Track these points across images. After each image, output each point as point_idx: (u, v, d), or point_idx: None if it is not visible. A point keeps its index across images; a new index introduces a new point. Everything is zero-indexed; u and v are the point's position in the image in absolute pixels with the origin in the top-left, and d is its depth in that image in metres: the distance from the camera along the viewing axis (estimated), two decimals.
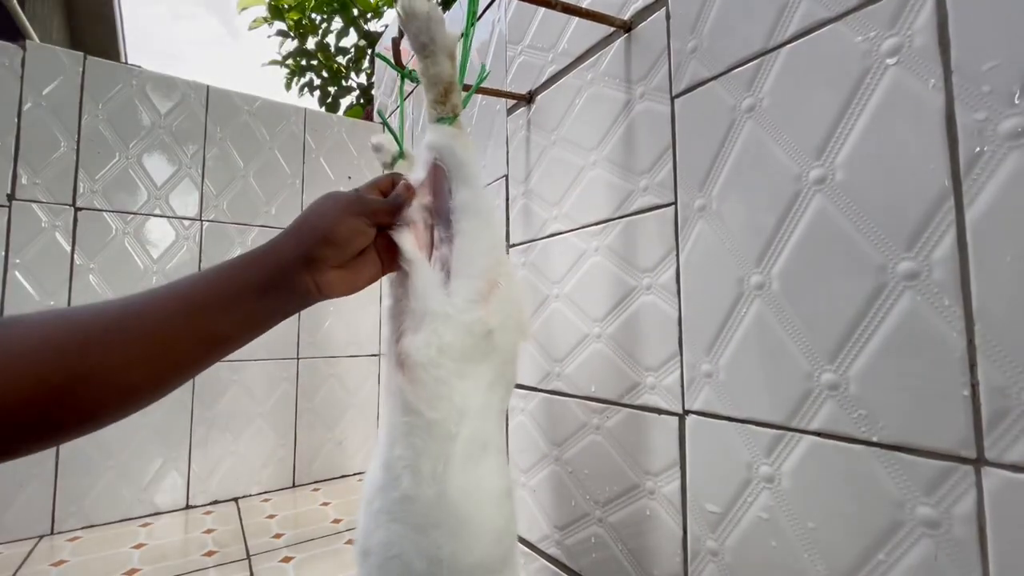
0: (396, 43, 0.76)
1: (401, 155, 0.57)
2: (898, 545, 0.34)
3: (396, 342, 0.37)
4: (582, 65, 0.65)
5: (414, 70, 0.67)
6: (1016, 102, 0.30)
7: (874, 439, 0.35)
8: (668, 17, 0.53)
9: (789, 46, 0.42)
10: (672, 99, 0.52)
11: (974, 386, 0.31)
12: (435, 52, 0.40)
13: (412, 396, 0.36)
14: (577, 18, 0.63)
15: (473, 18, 0.49)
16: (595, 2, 0.63)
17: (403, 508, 0.36)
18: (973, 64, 0.32)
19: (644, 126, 0.56)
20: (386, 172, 0.45)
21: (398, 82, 0.67)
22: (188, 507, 1.18)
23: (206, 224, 1.25)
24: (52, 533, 1.04)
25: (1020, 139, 0.30)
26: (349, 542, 1.00)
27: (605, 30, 0.61)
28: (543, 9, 0.70)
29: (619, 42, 0.60)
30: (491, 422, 0.39)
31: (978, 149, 0.31)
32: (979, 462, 0.31)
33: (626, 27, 0.58)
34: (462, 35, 0.44)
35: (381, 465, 0.37)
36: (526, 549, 0.73)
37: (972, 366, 0.31)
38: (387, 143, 0.58)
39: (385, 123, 0.58)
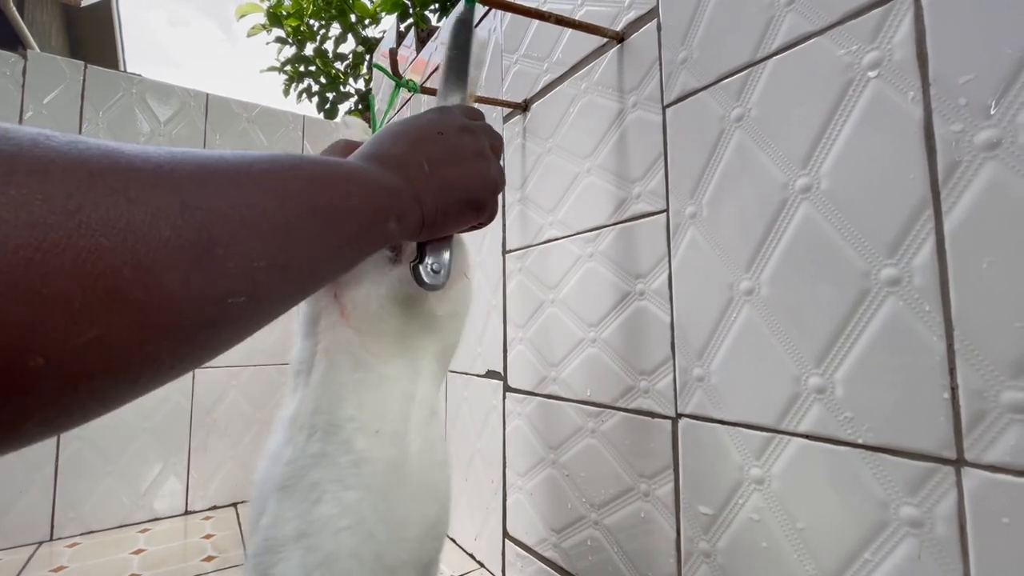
0: (393, 53, 0.77)
1: None
2: (883, 544, 0.35)
3: (335, 295, 0.35)
4: (576, 75, 0.67)
5: (411, 80, 0.69)
6: (991, 114, 0.31)
7: (859, 441, 0.36)
8: (659, 29, 0.54)
9: (775, 58, 0.43)
10: (663, 108, 0.54)
11: (954, 389, 0.32)
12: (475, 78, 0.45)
13: (364, 350, 0.33)
14: (570, 29, 0.64)
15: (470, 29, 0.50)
16: (588, 13, 0.64)
17: (359, 472, 0.32)
18: (950, 77, 0.33)
19: (636, 135, 0.57)
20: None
21: (392, 90, 0.68)
22: (187, 512, 1.18)
23: None
24: (51, 539, 1.04)
25: (995, 150, 0.31)
26: None
27: (598, 41, 0.62)
28: (537, 20, 0.71)
29: (612, 52, 0.61)
30: (436, 391, 0.38)
31: (956, 159, 0.32)
32: (959, 463, 0.32)
33: (618, 38, 0.59)
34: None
35: (315, 434, 0.33)
36: (523, 552, 0.73)
37: (952, 369, 0.32)
38: (357, 128, 0.59)
39: (371, 111, 0.60)
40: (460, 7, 0.47)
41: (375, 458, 0.32)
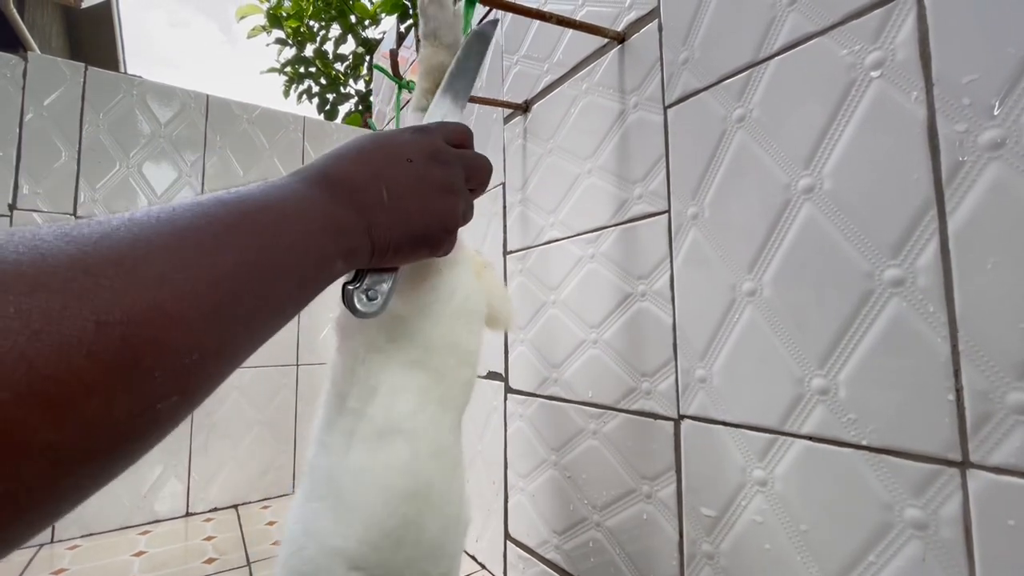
0: (394, 54, 0.77)
1: None
2: (888, 547, 0.35)
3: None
4: (577, 75, 0.66)
5: (412, 80, 0.69)
6: (995, 114, 0.31)
7: (863, 443, 0.36)
8: (660, 29, 0.54)
9: (777, 58, 0.43)
10: (665, 109, 0.53)
11: (958, 390, 0.32)
12: (445, 45, 0.43)
13: (333, 369, 0.36)
14: (571, 30, 0.64)
15: (467, 27, 0.50)
16: (589, 14, 0.64)
17: (308, 477, 0.36)
18: (954, 77, 0.33)
19: (638, 135, 0.57)
20: None
21: (395, 91, 0.68)
22: (188, 514, 1.18)
23: None
24: (52, 541, 1.04)
25: (999, 150, 0.30)
26: None
27: (599, 41, 0.62)
28: (538, 21, 0.71)
29: (613, 53, 0.61)
30: (421, 415, 0.35)
31: (959, 159, 0.32)
32: (964, 465, 0.31)
33: (619, 38, 0.59)
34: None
35: (312, 442, 0.38)
36: (525, 554, 0.73)
37: (956, 371, 0.32)
38: None
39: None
40: (476, 29, 0.45)
41: (316, 465, 0.35)
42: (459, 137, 0.34)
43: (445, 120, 0.38)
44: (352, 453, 0.34)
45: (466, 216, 0.33)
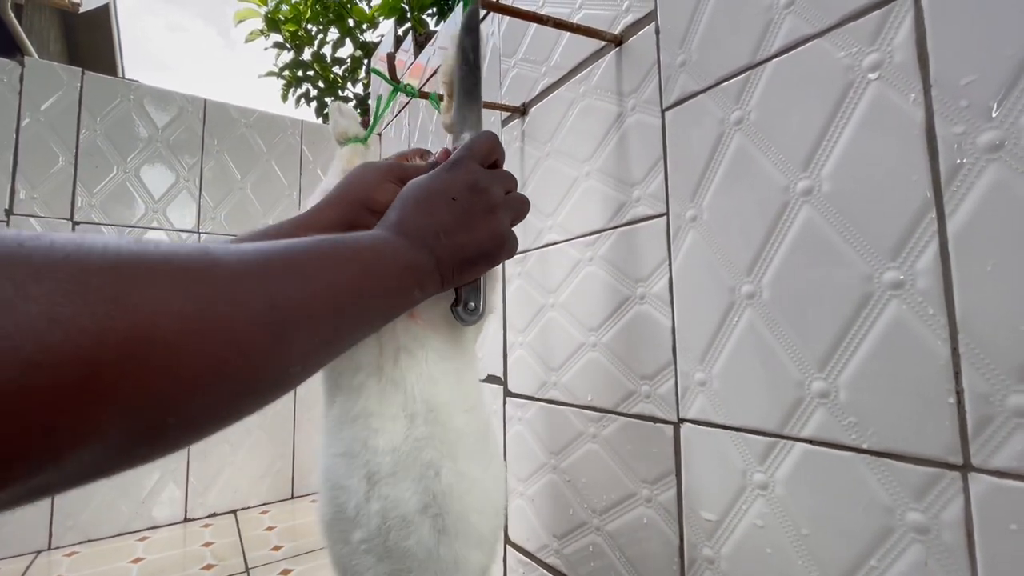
0: (391, 57, 0.77)
1: (363, 140, 0.60)
2: (889, 551, 0.35)
3: None
4: (574, 78, 0.66)
5: (408, 84, 0.69)
6: (993, 116, 0.31)
7: (864, 446, 0.36)
8: (657, 32, 0.54)
9: (775, 61, 0.43)
10: (663, 112, 0.53)
11: (959, 393, 0.32)
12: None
13: (444, 344, 0.41)
14: (568, 33, 0.64)
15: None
16: (586, 17, 0.64)
17: (464, 444, 0.39)
18: (951, 79, 0.33)
19: (636, 138, 0.57)
20: (342, 144, 0.54)
21: (389, 94, 0.68)
22: (186, 520, 1.17)
23: (204, 236, 1.25)
24: (49, 548, 1.03)
25: (998, 152, 0.30)
26: None
27: (596, 44, 0.62)
28: (535, 24, 0.71)
29: (610, 56, 0.61)
30: None
31: (958, 161, 0.32)
32: (965, 468, 0.31)
33: (616, 41, 0.59)
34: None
35: (416, 419, 0.38)
36: (525, 559, 0.73)
37: (957, 374, 0.32)
38: (352, 120, 0.60)
39: (376, 111, 0.60)
40: (462, 21, 0.47)
41: (471, 431, 0.39)
42: (488, 151, 0.38)
43: (468, 126, 0.45)
44: (482, 410, 0.42)
45: (521, 215, 0.39)
